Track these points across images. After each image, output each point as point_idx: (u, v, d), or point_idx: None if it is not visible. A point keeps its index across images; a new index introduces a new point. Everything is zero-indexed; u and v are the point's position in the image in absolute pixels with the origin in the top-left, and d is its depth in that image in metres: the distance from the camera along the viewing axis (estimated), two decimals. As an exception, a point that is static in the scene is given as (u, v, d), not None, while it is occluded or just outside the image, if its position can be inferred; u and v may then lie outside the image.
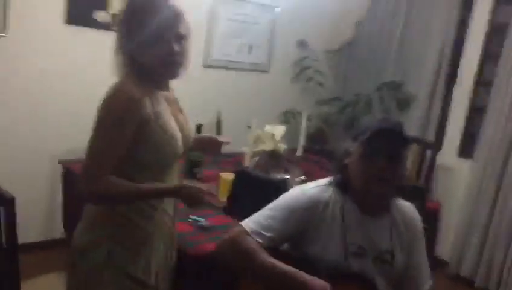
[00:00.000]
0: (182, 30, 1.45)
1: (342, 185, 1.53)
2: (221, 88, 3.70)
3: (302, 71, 4.11)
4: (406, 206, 1.60)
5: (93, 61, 2.87)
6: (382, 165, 1.43)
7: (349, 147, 1.52)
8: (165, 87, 1.54)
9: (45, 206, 3.03)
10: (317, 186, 1.57)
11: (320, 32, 4.18)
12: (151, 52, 1.41)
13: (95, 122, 1.39)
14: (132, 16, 1.44)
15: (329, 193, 1.54)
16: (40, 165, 2.94)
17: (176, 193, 1.53)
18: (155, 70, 1.45)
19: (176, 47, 1.43)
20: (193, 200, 1.52)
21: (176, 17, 1.44)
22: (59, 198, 2.79)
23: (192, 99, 3.44)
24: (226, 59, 3.72)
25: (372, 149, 1.44)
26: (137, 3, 1.47)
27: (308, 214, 1.50)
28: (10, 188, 1.60)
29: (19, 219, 1.59)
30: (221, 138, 1.88)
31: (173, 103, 1.58)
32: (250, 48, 3.84)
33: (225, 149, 3.31)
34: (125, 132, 1.37)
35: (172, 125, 1.49)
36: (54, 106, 2.90)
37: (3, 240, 1.57)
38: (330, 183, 1.56)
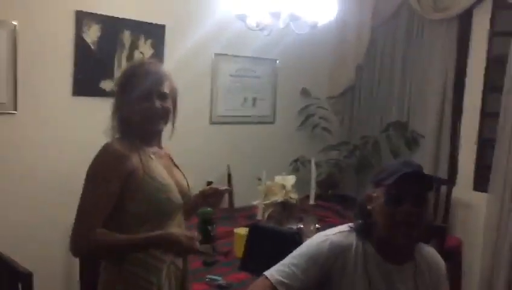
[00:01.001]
0: (164, 89, 1.58)
1: (365, 232, 1.52)
2: (228, 143, 3.74)
3: (307, 119, 4.16)
4: (430, 252, 1.57)
5: (101, 128, 2.93)
6: (408, 210, 1.41)
7: (372, 192, 1.51)
8: (154, 143, 1.63)
9: (63, 278, 3.01)
10: (339, 232, 1.55)
11: (322, 79, 4.26)
12: (135, 108, 1.54)
13: (84, 181, 1.48)
14: (124, 80, 1.60)
15: (351, 239, 1.52)
16: (56, 237, 2.94)
17: (158, 239, 1.50)
18: (138, 124, 1.57)
19: (157, 104, 1.55)
20: (176, 247, 1.51)
21: (160, 77, 1.59)
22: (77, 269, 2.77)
23: (201, 156, 3.50)
24: (231, 114, 3.78)
25: (397, 194, 1.43)
26: (128, 70, 1.65)
27: (330, 261, 1.48)
28: (26, 263, 1.61)
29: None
30: (221, 187, 1.87)
31: (166, 158, 1.66)
32: (254, 100, 3.91)
33: (238, 203, 3.34)
34: (110, 187, 1.45)
35: (164, 176, 1.55)
36: (68, 175, 2.92)
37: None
38: (352, 230, 1.55)
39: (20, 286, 1.55)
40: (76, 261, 2.71)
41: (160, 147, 1.66)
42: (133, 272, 1.50)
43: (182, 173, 1.71)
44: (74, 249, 1.44)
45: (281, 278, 1.46)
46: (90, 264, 1.72)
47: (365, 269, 1.47)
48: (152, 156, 1.58)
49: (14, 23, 2.69)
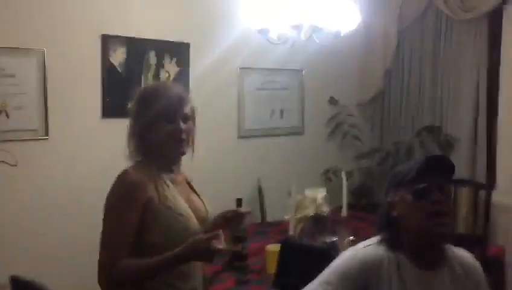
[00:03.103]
0: (187, 111, 1.57)
1: (394, 243, 1.46)
2: (258, 157, 3.72)
3: (336, 128, 4.10)
4: (464, 255, 1.51)
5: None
6: (437, 198, 1.39)
7: (393, 197, 1.47)
8: (174, 167, 1.61)
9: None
10: (367, 246, 1.50)
11: (349, 86, 4.20)
12: (160, 132, 1.52)
13: (103, 210, 1.47)
14: (142, 101, 1.57)
15: (381, 251, 1.46)
16: (86, 258, 2.95)
17: (189, 249, 1.43)
18: (163, 148, 1.55)
19: (182, 125, 1.54)
20: (203, 253, 1.43)
21: (183, 99, 1.58)
22: None
23: (230, 171, 3.48)
24: (259, 127, 3.76)
25: (424, 186, 1.40)
26: (146, 91, 1.65)
27: (363, 278, 1.43)
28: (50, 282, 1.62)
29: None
30: (241, 209, 1.82)
31: (183, 184, 1.64)
32: (282, 112, 3.89)
33: (269, 217, 3.31)
34: (128, 217, 1.44)
35: (181, 204, 1.53)
36: (98, 197, 2.95)
37: None
38: (380, 242, 1.49)
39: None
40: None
41: (179, 171, 1.64)
42: None
43: (201, 198, 1.68)
44: (101, 282, 1.44)
45: None
46: None
47: (401, 279, 1.41)
48: (169, 183, 1.55)
49: (43, 49, 2.76)
